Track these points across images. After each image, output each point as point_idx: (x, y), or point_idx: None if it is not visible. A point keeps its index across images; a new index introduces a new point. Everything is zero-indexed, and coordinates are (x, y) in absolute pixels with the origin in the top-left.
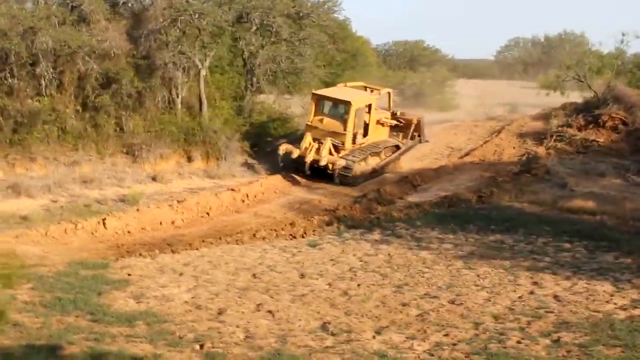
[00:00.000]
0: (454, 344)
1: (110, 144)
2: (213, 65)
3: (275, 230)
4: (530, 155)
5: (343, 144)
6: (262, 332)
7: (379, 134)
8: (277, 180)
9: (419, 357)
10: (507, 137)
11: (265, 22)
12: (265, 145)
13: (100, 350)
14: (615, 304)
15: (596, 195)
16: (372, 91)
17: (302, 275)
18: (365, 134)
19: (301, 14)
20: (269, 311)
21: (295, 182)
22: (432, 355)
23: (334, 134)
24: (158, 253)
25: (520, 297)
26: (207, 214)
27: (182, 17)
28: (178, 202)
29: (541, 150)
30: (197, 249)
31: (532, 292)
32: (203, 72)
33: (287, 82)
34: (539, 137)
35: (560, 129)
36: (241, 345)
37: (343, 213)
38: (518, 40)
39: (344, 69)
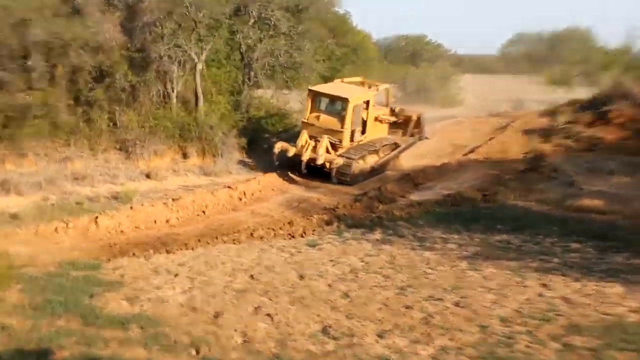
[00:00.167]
0: (460, 348)
1: (103, 139)
2: (209, 59)
3: (273, 229)
4: (537, 153)
5: (340, 142)
6: (260, 335)
7: (378, 131)
8: (275, 177)
9: None
10: (513, 134)
11: (263, 15)
12: (262, 141)
13: (92, 355)
14: (627, 306)
15: (605, 194)
16: (370, 87)
17: (302, 277)
18: (363, 132)
19: (300, 7)
20: (268, 314)
21: (294, 180)
22: (437, 359)
23: (331, 131)
24: (152, 253)
25: (528, 300)
26: (203, 212)
27: (178, 9)
28: (173, 200)
29: (548, 148)
30: (192, 249)
31: (540, 294)
32: (199, 66)
33: (285, 77)
34: (546, 134)
35: (567, 125)
36: (239, 349)
37: (343, 212)
38: (523, 35)
39: (343, 64)
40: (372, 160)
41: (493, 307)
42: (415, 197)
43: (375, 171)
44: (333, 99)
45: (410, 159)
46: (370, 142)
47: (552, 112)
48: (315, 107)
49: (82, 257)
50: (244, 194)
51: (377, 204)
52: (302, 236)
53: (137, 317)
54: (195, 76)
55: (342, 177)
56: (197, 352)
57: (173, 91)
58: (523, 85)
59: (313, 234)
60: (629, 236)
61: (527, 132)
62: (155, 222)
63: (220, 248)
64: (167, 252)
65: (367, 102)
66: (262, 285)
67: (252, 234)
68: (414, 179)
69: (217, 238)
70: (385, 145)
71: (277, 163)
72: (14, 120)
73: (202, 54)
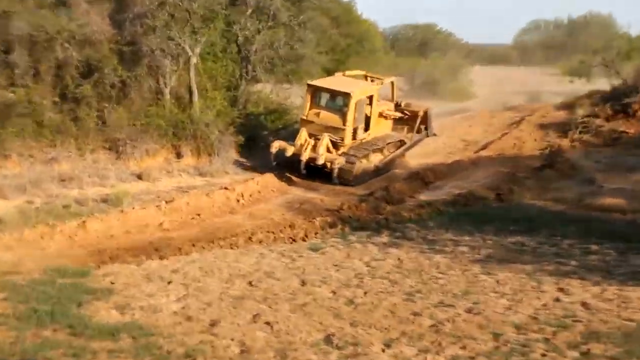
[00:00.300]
0: (472, 358)
1: (91, 139)
2: (204, 52)
3: (273, 232)
4: (553, 149)
5: (342, 140)
6: (259, 345)
7: (382, 128)
8: (275, 177)
9: None
10: (528, 129)
11: (261, 4)
12: (261, 139)
13: None
14: None
15: (626, 192)
16: (373, 81)
17: (303, 283)
18: (366, 129)
19: None
20: (267, 322)
21: (294, 180)
22: None
23: (332, 129)
24: (144, 259)
25: (544, 305)
26: (198, 215)
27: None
28: (166, 202)
29: (565, 143)
30: (187, 254)
31: (557, 300)
32: (193, 60)
33: (285, 70)
34: (563, 128)
35: (585, 119)
36: None
37: (348, 213)
38: (539, 22)
39: (348, 55)
40: (376, 160)
41: (507, 313)
42: (424, 197)
43: (380, 171)
44: (334, 94)
45: (418, 157)
46: (374, 139)
47: (569, 105)
48: (315, 103)
49: (70, 264)
50: (242, 195)
51: (384, 204)
52: (303, 240)
53: (128, 326)
54: (189, 71)
55: (344, 178)
56: None
57: (166, 87)
58: (538, 76)
59: (315, 238)
60: None
61: (543, 127)
62: (147, 225)
63: (217, 253)
64: (160, 257)
65: (371, 97)
66: (261, 292)
67: (250, 238)
68: (423, 177)
69: (213, 242)
70: (390, 143)
71: (275, 163)
72: None
73: (196, 46)
